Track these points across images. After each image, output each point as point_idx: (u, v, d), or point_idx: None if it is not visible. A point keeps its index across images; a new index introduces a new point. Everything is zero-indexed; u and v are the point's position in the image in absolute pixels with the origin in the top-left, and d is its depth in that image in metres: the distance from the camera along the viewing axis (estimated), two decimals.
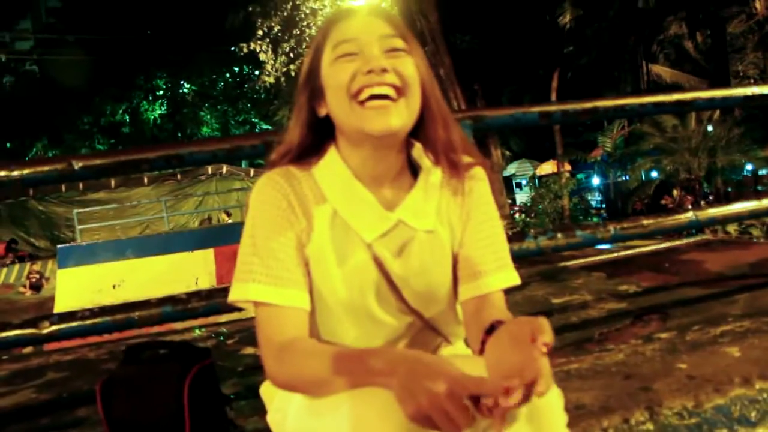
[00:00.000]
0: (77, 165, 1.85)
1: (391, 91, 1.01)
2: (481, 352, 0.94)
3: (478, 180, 1.16)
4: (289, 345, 1.00)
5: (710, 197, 12.65)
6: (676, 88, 15.94)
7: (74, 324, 1.83)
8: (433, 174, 1.13)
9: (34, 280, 13.24)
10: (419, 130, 1.11)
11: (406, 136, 1.09)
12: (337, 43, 1.04)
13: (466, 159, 1.15)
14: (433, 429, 0.80)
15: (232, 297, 1.06)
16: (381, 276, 1.08)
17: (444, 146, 1.11)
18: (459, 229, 1.14)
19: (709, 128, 12.59)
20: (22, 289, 13.18)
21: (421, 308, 1.11)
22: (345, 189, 1.09)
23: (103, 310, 1.87)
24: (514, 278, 1.13)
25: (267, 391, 1.20)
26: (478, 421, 0.88)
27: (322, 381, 0.94)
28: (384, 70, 1.01)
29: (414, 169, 1.15)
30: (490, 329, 0.94)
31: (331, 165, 1.10)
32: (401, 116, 1.03)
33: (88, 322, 1.83)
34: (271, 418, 1.17)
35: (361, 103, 1.01)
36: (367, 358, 0.90)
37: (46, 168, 1.87)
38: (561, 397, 0.96)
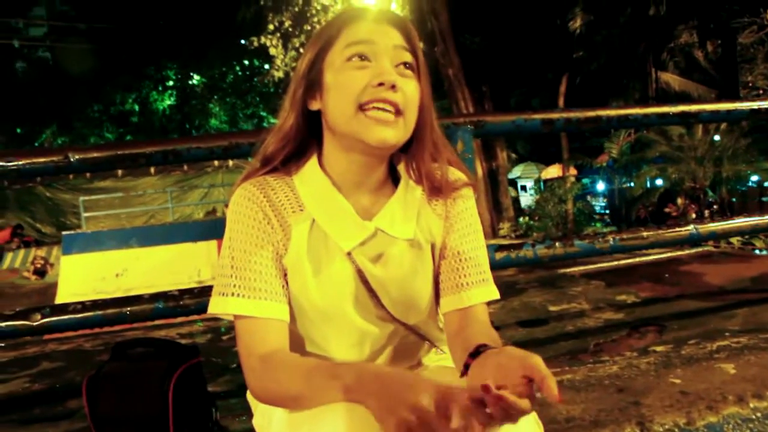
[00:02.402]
0: (74, 157, 1.84)
1: (391, 109, 1.00)
2: (464, 374, 0.91)
3: (464, 197, 1.16)
4: (268, 359, 0.99)
5: (714, 207, 12.59)
6: (684, 96, 15.86)
7: (65, 317, 1.83)
8: (414, 188, 1.12)
9: (39, 265, 13.28)
10: (408, 148, 1.11)
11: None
12: (350, 43, 1.03)
13: (455, 175, 1.15)
14: None
15: (212, 310, 1.05)
16: (360, 284, 1.07)
17: (428, 171, 1.11)
18: (440, 240, 1.13)
19: (716, 138, 12.51)
20: (26, 274, 13.21)
21: (401, 316, 1.10)
22: (323, 198, 1.08)
23: (95, 305, 1.86)
24: (494, 293, 1.13)
25: None
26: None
27: (297, 397, 0.93)
28: (393, 87, 1.00)
29: (396, 179, 1.14)
30: (476, 353, 0.91)
31: (310, 174, 1.09)
32: (397, 133, 1.02)
33: (79, 315, 1.82)
34: (256, 422, 1.16)
35: (364, 110, 1.00)
36: (338, 373, 0.89)
37: (42, 159, 1.86)
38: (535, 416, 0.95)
